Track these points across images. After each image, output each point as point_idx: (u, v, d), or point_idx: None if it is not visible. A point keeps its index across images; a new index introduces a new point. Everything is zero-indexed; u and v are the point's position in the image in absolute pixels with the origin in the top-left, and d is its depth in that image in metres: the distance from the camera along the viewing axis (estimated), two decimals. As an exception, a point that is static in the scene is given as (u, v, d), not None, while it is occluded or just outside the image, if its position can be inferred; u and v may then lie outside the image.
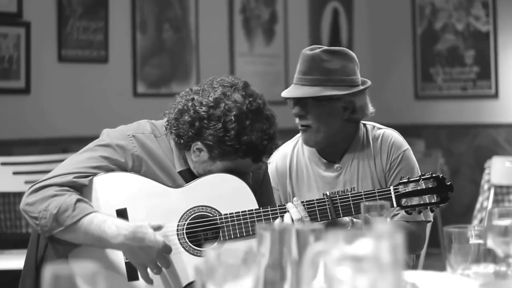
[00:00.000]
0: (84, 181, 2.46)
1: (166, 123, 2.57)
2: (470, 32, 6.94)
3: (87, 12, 5.37)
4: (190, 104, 2.51)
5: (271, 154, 2.57)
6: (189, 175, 2.58)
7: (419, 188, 2.59)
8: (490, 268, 1.81)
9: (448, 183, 2.61)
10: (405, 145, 2.87)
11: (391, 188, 2.60)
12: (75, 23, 5.31)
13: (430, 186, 2.60)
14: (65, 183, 2.44)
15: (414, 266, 3.02)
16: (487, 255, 1.83)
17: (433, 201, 2.60)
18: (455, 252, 1.80)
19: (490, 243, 1.83)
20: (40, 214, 2.40)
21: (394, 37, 7.31)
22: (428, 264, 3.25)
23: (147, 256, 2.40)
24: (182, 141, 2.52)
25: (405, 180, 2.60)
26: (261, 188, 2.72)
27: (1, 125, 4.99)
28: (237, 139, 2.45)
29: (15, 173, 4.32)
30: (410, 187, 2.59)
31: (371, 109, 2.87)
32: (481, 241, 1.83)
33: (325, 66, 2.77)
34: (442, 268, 1.88)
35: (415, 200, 2.59)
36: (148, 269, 2.44)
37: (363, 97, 2.84)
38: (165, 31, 5.85)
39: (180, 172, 2.57)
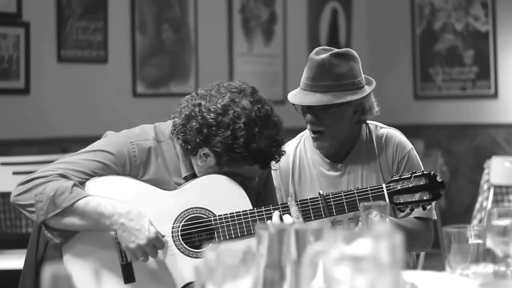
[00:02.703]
0: (72, 177, 2.45)
1: (173, 128, 2.56)
2: (469, 32, 6.95)
3: (87, 13, 5.37)
4: (197, 110, 2.49)
5: (278, 160, 2.56)
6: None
7: (411, 185, 2.59)
8: (489, 268, 1.81)
9: (439, 180, 2.61)
10: (409, 144, 2.89)
11: (384, 185, 2.60)
12: (74, 23, 5.31)
13: (422, 183, 2.60)
14: (52, 174, 2.44)
15: (413, 266, 3.02)
16: (486, 255, 1.83)
17: (425, 198, 2.60)
18: (455, 252, 1.80)
19: (489, 243, 1.83)
20: (36, 198, 2.40)
21: (393, 37, 7.32)
22: (428, 264, 3.25)
23: (137, 240, 2.38)
24: (189, 147, 2.51)
25: (397, 178, 2.61)
26: (265, 189, 2.72)
27: (1, 125, 4.99)
28: (246, 146, 2.44)
29: (15, 173, 4.32)
30: (402, 185, 2.60)
31: (376, 108, 2.88)
32: (480, 241, 1.83)
33: (335, 71, 2.74)
34: (441, 268, 1.89)
35: (407, 197, 2.60)
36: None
37: (370, 97, 2.85)
38: (164, 31, 5.85)
39: (186, 177, 2.57)
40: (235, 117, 2.44)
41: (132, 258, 2.43)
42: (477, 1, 6.89)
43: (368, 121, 2.92)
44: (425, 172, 2.61)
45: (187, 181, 2.56)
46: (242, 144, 2.43)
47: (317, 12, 6.96)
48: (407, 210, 2.68)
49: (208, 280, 1.30)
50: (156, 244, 2.41)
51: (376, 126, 2.93)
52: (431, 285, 1.78)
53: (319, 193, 2.59)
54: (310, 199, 2.59)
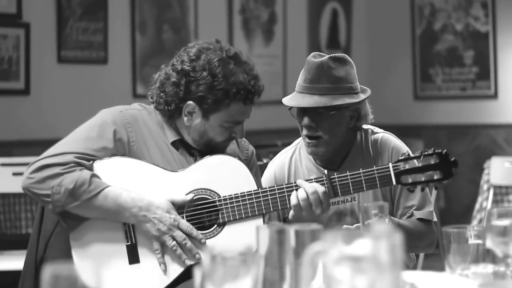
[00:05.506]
0: (86, 163, 2.49)
1: (151, 99, 2.65)
2: (469, 33, 6.95)
3: (87, 13, 5.37)
4: (169, 68, 2.62)
5: (260, 93, 2.62)
6: (182, 146, 2.63)
7: (420, 164, 2.54)
8: (489, 268, 1.82)
9: (452, 159, 2.53)
10: (404, 147, 2.86)
11: (390, 165, 2.56)
12: (74, 24, 5.31)
13: (433, 162, 2.53)
14: (69, 162, 2.46)
15: (413, 267, 3.02)
16: (486, 255, 1.83)
17: (435, 178, 2.53)
18: (454, 252, 1.80)
19: (489, 243, 1.83)
20: (54, 190, 2.43)
21: (393, 38, 7.32)
22: (427, 264, 3.25)
23: (162, 227, 2.45)
24: (172, 106, 2.59)
25: (405, 157, 2.56)
26: (252, 170, 2.74)
27: (1, 126, 4.99)
28: (226, 81, 2.53)
29: (15, 174, 4.33)
30: (411, 164, 2.55)
31: (371, 115, 2.87)
32: (480, 241, 1.83)
33: (333, 74, 2.73)
34: (441, 268, 1.89)
35: (416, 177, 2.53)
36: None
37: (366, 104, 2.85)
38: (165, 32, 5.85)
39: (173, 143, 2.62)
40: (208, 59, 2.56)
41: (161, 245, 2.49)
42: (477, 2, 6.89)
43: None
44: (436, 151, 2.54)
45: (174, 147, 2.61)
46: (222, 79, 2.53)
47: (317, 13, 6.96)
48: (419, 189, 2.61)
49: (208, 280, 1.30)
50: (181, 227, 2.47)
51: (372, 130, 2.90)
52: (431, 286, 1.78)
53: (324, 173, 2.58)
54: (315, 179, 2.58)
